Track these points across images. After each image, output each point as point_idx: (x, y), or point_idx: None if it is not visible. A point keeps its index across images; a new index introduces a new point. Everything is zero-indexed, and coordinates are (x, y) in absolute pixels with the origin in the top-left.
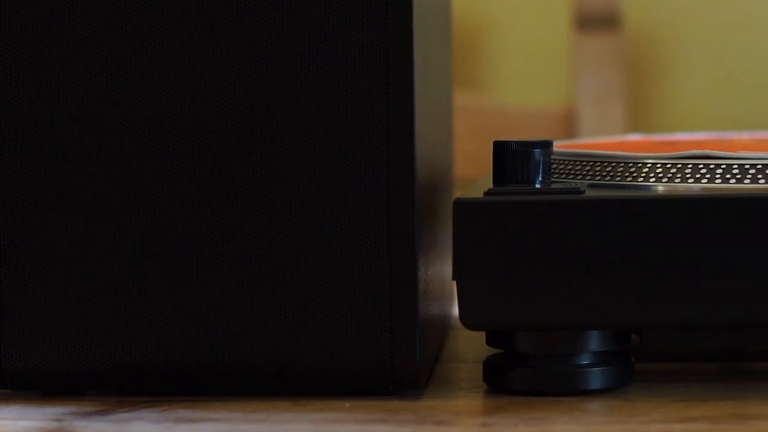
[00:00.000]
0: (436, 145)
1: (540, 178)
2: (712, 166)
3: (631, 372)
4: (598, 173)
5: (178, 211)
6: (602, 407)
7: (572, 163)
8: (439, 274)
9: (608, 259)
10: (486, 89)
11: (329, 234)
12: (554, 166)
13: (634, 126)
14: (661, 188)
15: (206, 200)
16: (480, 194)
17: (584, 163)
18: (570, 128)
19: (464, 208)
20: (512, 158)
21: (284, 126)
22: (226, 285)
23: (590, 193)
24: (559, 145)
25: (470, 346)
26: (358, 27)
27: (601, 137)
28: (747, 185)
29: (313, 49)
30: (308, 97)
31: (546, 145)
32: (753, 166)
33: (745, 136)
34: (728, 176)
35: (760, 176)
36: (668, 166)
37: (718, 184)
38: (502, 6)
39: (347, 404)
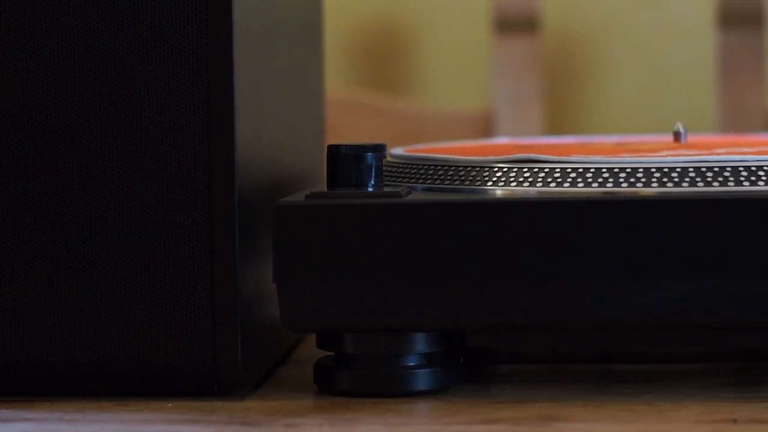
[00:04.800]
0: (288, 149)
1: (372, 182)
2: (536, 170)
3: (459, 373)
4: (431, 177)
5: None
6: (417, 408)
7: (411, 167)
8: None
9: (426, 262)
10: (409, 93)
11: (151, 236)
12: (396, 170)
13: (553, 129)
14: (492, 191)
15: (25, 203)
16: (303, 198)
17: (420, 167)
18: (488, 131)
19: (283, 211)
20: (344, 162)
21: (101, 129)
22: (47, 285)
23: (410, 197)
24: (409, 150)
25: None
26: (178, 32)
27: (465, 141)
28: (567, 189)
29: (131, 55)
30: (127, 101)
31: (378, 148)
32: (574, 170)
33: (608, 139)
34: (549, 180)
35: (579, 180)
36: (495, 169)
37: (539, 187)
38: (425, 10)
39: (169, 405)
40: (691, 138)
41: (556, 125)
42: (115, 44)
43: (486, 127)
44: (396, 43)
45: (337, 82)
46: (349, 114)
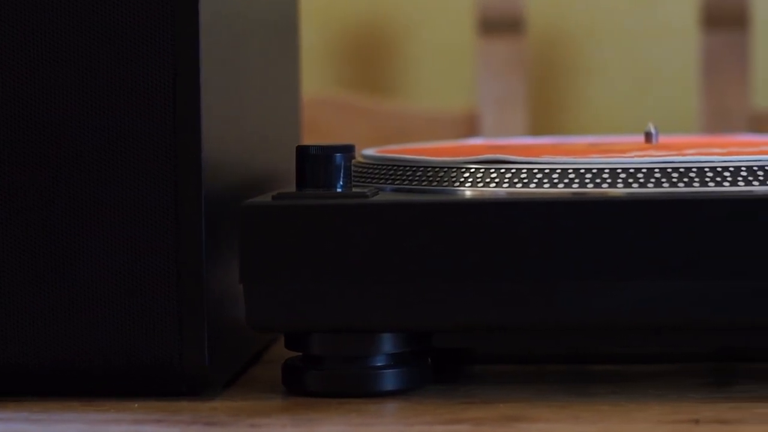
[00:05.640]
0: (261, 150)
1: (341, 183)
2: (503, 171)
3: (427, 373)
4: (400, 178)
5: None
6: (383, 409)
7: (381, 168)
8: None
9: (392, 263)
10: (394, 93)
11: (117, 237)
12: (367, 171)
13: (538, 129)
14: (459, 192)
15: None
16: (270, 198)
17: (390, 168)
18: (473, 132)
19: (249, 212)
20: (313, 162)
21: (67, 129)
22: (13, 287)
23: (376, 198)
24: (381, 150)
25: None
26: (143, 32)
27: (441, 142)
28: (534, 189)
29: (97, 54)
30: (92, 100)
31: (347, 149)
32: (541, 170)
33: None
34: (515, 180)
35: (545, 180)
36: (462, 170)
37: (505, 187)
38: (411, 11)
39: (136, 405)
40: (664, 139)
41: (541, 126)
42: (80, 43)
43: (471, 127)
44: (381, 44)
45: (322, 82)
46: (334, 114)
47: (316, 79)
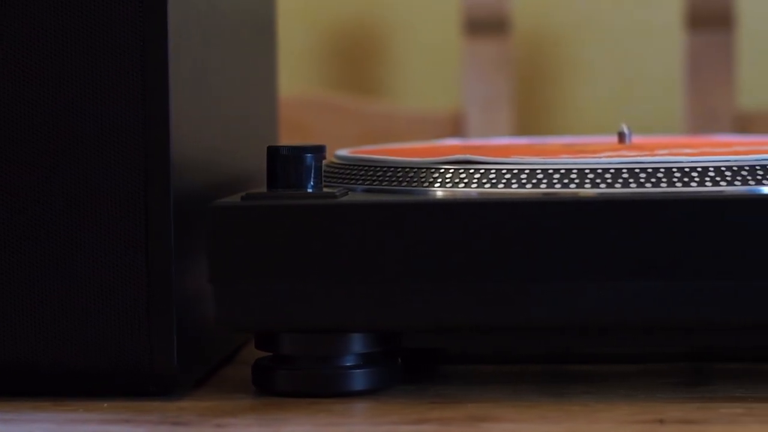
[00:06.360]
0: (235, 150)
1: (312, 183)
2: (471, 171)
3: (397, 373)
4: (370, 178)
5: None
6: (351, 408)
7: (354, 168)
8: None
9: (360, 263)
10: (381, 94)
11: (85, 236)
12: (340, 171)
13: (525, 130)
14: (428, 192)
15: None
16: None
17: (361, 168)
18: (459, 132)
19: (217, 212)
20: (283, 163)
21: (31, 129)
22: None
23: (344, 198)
24: (354, 151)
25: None
26: (112, 31)
27: (420, 142)
28: (502, 190)
29: (66, 53)
30: (61, 99)
31: (318, 150)
32: (509, 171)
33: (558, 141)
34: (484, 181)
35: (513, 181)
36: (431, 170)
37: (473, 188)
38: (397, 12)
39: (105, 405)
40: (638, 139)
41: (527, 126)
42: (49, 42)
43: (457, 128)
44: (368, 45)
45: (309, 83)
46: (321, 115)
47: (303, 79)
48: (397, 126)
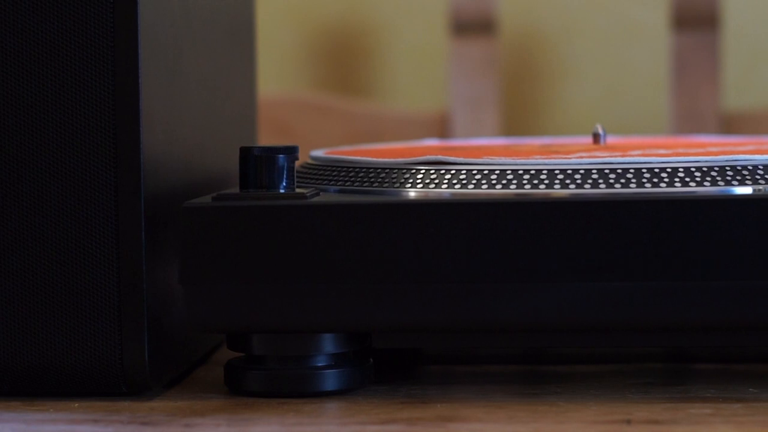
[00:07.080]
0: (210, 152)
1: (284, 184)
2: (442, 172)
3: (369, 373)
4: (343, 179)
5: None
6: (321, 409)
7: (328, 169)
8: None
9: (331, 263)
10: (368, 94)
11: (57, 237)
12: (315, 172)
13: (512, 130)
14: (400, 193)
15: None
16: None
17: (335, 169)
18: (446, 133)
19: (189, 213)
20: (255, 163)
21: (3, 133)
22: None
23: (314, 199)
24: (329, 152)
25: None
26: (82, 34)
27: (399, 142)
28: (473, 191)
29: (36, 56)
30: (31, 103)
31: (290, 150)
32: (480, 171)
33: (536, 141)
34: (455, 182)
35: (483, 181)
36: (403, 171)
37: (444, 188)
38: (384, 13)
39: (76, 404)
40: (613, 140)
41: (514, 127)
42: (18, 45)
43: (444, 128)
44: (355, 46)
45: (296, 83)
46: (307, 116)
47: (289, 80)
48: (383, 126)
